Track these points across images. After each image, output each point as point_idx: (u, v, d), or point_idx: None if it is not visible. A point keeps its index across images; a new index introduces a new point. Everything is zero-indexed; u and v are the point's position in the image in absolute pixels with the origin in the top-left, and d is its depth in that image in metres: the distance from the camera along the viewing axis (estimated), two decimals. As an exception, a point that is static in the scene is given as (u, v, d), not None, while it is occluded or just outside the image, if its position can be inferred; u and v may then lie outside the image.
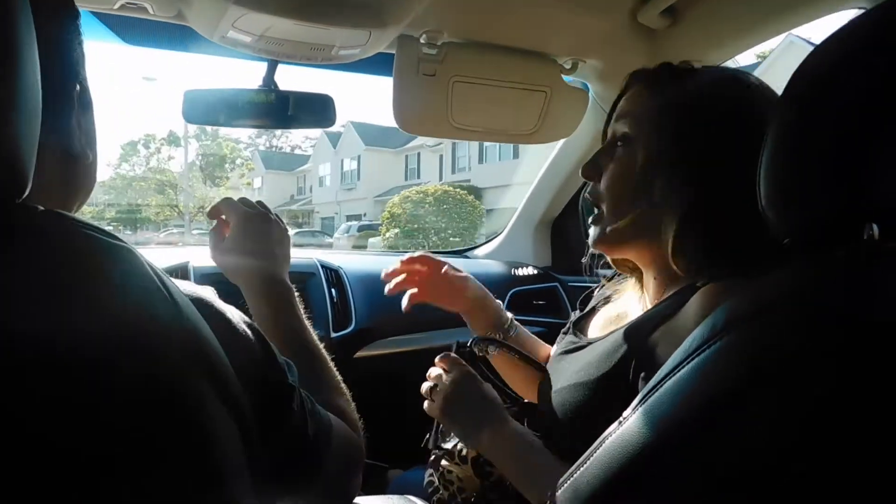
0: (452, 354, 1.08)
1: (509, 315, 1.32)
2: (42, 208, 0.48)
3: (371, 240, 18.12)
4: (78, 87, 0.62)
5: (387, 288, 1.29)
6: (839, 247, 0.52)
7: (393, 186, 28.57)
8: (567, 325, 1.17)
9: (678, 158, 0.90)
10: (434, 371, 1.07)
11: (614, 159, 0.98)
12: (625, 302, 1.10)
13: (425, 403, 1.06)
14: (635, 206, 0.94)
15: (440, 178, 25.44)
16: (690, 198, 0.88)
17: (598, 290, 1.22)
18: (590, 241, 1.02)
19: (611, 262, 1.10)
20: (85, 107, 0.64)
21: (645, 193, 0.93)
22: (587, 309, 1.18)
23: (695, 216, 0.88)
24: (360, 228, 21.69)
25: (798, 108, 0.56)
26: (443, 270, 1.29)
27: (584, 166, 1.02)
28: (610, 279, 1.19)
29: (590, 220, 1.03)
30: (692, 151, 0.89)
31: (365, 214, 28.91)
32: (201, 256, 1.67)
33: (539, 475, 0.90)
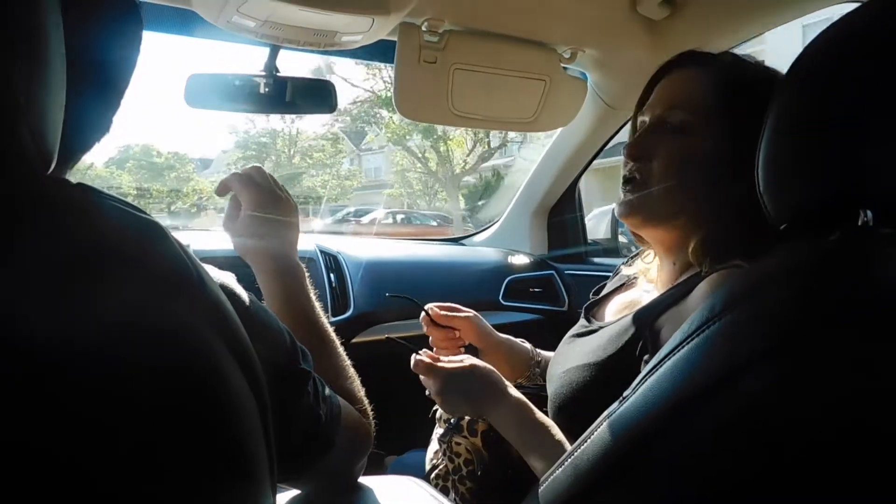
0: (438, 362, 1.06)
1: (528, 346, 1.33)
2: (72, 181, 0.49)
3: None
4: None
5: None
6: (834, 232, 0.54)
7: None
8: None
9: (737, 153, 0.86)
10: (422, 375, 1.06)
11: (668, 144, 0.96)
12: (638, 289, 1.11)
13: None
14: (690, 195, 0.95)
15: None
16: (742, 192, 0.83)
17: (612, 277, 1.24)
18: (621, 210, 1.01)
19: (634, 236, 1.12)
20: (118, 104, 0.64)
21: (704, 184, 0.93)
22: (601, 295, 1.20)
23: (742, 210, 0.86)
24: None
25: (795, 95, 0.57)
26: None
27: (633, 147, 1.00)
28: (629, 259, 1.21)
29: (623, 191, 1.01)
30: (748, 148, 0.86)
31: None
32: (200, 239, 1.68)
33: (544, 446, 0.93)
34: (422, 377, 1.06)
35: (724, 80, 0.95)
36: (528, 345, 1.32)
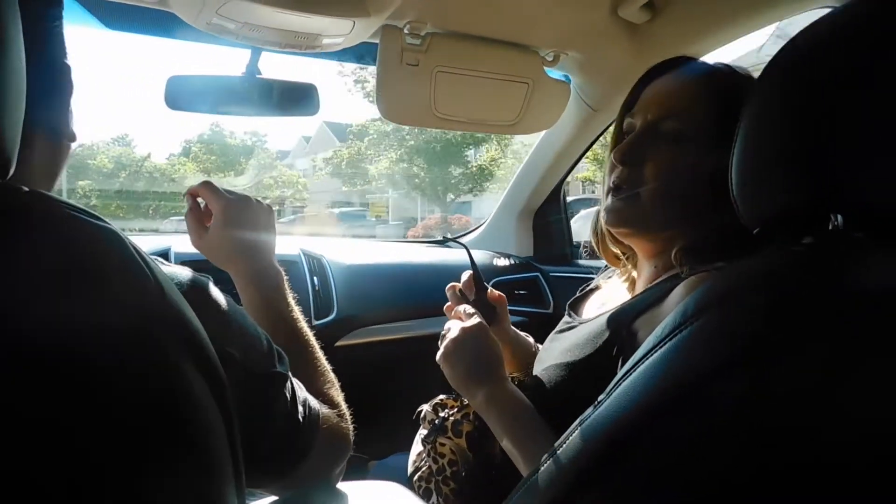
0: (468, 308, 1.07)
1: (531, 341, 1.32)
2: (27, 189, 0.48)
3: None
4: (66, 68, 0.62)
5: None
6: (806, 236, 0.54)
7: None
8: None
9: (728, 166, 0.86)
10: (450, 323, 1.05)
11: (661, 152, 0.95)
12: (617, 285, 1.12)
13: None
14: (681, 205, 0.94)
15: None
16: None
17: (600, 273, 1.24)
18: (611, 219, 0.99)
19: (600, 252, 1.12)
20: (70, 89, 0.64)
21: (694, 195, 0.92)
22: (585, 290, 1.21)
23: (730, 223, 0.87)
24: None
25: (767, 101, 0.58)
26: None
27: (623, 152, 0.97)
28: (607, 268, 1.22)
29: (613, 199, 0.99)
30: None
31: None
32: (183, 242, 1.66)
33: (529, 441, 0.91)
34: (453, 315, 1.06)
35: (719, 92, 0.93)
36: (531, 339, 1.32)
